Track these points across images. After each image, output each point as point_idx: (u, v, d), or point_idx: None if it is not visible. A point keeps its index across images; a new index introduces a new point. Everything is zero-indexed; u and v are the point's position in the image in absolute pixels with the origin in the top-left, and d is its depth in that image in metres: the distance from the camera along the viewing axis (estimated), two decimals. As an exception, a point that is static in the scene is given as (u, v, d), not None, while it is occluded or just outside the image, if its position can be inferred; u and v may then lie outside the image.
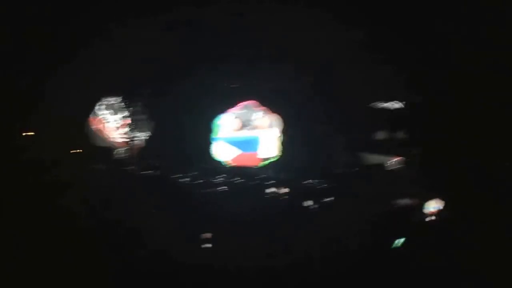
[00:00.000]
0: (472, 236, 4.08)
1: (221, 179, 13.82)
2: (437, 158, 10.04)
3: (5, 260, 3.72)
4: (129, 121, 15.28)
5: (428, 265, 4.01)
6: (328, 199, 10.39)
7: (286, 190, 11.79)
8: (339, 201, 10.04)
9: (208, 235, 4.85)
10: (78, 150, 13.50)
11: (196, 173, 14.49)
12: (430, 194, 7.22)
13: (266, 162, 16.50)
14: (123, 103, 15.22)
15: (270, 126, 16.68)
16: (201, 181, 13.34)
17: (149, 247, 4.34)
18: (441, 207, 6.84)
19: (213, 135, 16.83)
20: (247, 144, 16.85)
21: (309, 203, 9.88)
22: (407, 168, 11.55)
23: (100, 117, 15.77)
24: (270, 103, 16.67)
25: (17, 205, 4.51)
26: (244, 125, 16.80)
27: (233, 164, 16.30)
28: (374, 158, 13.32)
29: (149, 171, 12.93)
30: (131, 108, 15.28)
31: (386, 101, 14.73)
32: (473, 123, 10.16)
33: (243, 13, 12.28)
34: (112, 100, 15.73)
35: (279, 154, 16.61)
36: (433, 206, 7.05)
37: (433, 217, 6.71)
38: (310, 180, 13.29)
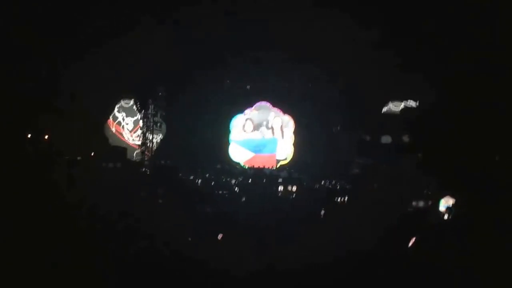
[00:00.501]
0: (482, 235, 4.16)
1: (238, 180, 13.87)
2: (448, 159, 10.08)
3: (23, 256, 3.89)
4: (145, 123, 15.50)
5: (439, 264, 4.11)
6: (343, 199, 10.46)
7: (301, 190, 11.84)
8: (353, 201, 10.12)
9: (225, 235, 4.97)
10: (97, 152, 13.71)
11: (212, 174, 14.60)
12: (441, 193, 7.28)
13: (281, 163, 16.62)
14: (140, 106, 15.45)
15: (283, 127, 16.82)
16: (218, 182, 13.40)
17: (164, 247, 4.48)
18: (452, 206, 6.92)
19: (228, 137, 17.12)
20: (263, 146, 16.97)
21: (324, 203, 9.93)
22: (418, 168, 11.58)
23: (118, 119, 16.03)
24: (283, 104, 16.82)
25: (37, 204, 4.67)
26: (258, 126, 16.95)
27: (249, 165, 16.45)
28: (386, 158, 13.33)
29: (166, 172, 13.04)
30: (147, 110, 15.49)
31: (399, 102, 14.78)
32: (485, 125, 10.18)
33: (257, 16, 12.37)
34: (130, 102, 15.95)
35: (293, 156, 16.77)
36: (443, 205, 7.13)
37: (445, 216, 6.80)
38: (325, 181, 13.32)
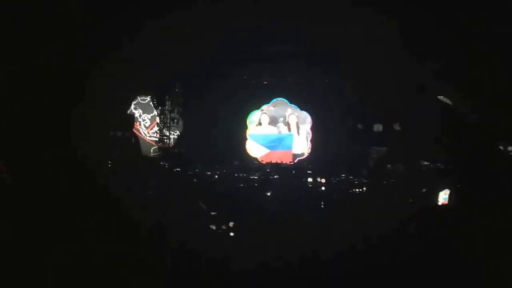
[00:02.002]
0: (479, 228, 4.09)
1: (255, 175, 13.86)
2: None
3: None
4: (162, 119, 15.53)
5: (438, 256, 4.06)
6: (358, 193, 10.45)
7: (318, 185, 11.81)
8: (368, 195, 10.09)
9: (242, 230, 4.95)
10: (115, 148, 13.77)
11: (229, 169, 14.60)
12: (441, 185, 7.20)
13: (298, 159, 16.57)
14: (157, 102, 15.50)
15: (300, 123, 16.78)
16: (235, 177, 13.40)
17: (183, 243, 4.47)
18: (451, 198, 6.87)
19: (246, 132, 17.08)
20: (278, 142, 16.95)
21: (340, 197, 9.91)
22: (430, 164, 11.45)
23: (135, 116, 16.08)
24: (300, 100, 16.77)
25: (58, 203, 4.68)
26: (275, 121, 16.92)
27: (266, 161, 16.42)
28: (397, 154, 13.21)
29: (183, 168, 13.07)
30: (164, 107, 15.53)
31: (413, 98, 14.55)
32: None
33: (275, 11, 12.29)
34: (147, 99, 16.01)
35: (309, 151, 16.71)
36: (443, 197, 7.06)
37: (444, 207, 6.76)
38: (341, 176, 13.23)
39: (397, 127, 14.62)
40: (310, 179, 12.02)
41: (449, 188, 6.92)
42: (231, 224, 4.62)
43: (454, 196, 6.65)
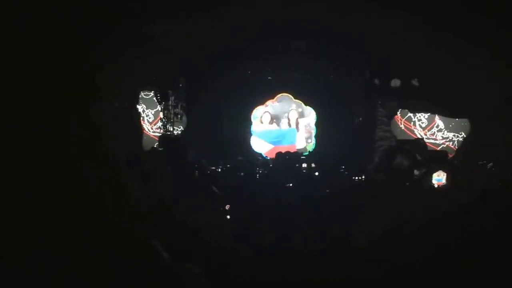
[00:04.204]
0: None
1: (259, 171, 13.78)
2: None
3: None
4: (166, 114, 15.45)
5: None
6: (363, 189, 10.33)
7: (322, 182, 11.70)
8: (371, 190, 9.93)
9: (244, 229, 4.88)
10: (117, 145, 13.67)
11: (233, 165, 14.51)
12: (434, 166, 7.08)
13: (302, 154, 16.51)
14: (160, 97, 15.41)
15: (301, 118, 16.77)
16: (238, 174, 13.29)
17: (184, 242, 4.39)
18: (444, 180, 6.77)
19: (249, 128, 17.09)
20: (282, 137, 16.93)
21: (345, 194, 9.78)
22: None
23: (139, 110, 16.01)
24: (305, 95, 16.72)
25: (60, 201, 4.59)
26: (280, 117, 16.90)
27: (271, 156, 16.35)
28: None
29: (186, 164, 12.97)
30: (168, 101, 15.45)
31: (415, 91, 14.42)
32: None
33: (280, 6, 12.22)
34: (150, 93, 15.93)
35: (314, 147, 16.68)
36: (436, 178, 6.96)
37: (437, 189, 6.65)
38: (345, 172, 13.13)
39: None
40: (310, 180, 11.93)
41: (443, 170, 6.81)
42: (227, 207, 4.58)
43: (451, 178, 6.54)
